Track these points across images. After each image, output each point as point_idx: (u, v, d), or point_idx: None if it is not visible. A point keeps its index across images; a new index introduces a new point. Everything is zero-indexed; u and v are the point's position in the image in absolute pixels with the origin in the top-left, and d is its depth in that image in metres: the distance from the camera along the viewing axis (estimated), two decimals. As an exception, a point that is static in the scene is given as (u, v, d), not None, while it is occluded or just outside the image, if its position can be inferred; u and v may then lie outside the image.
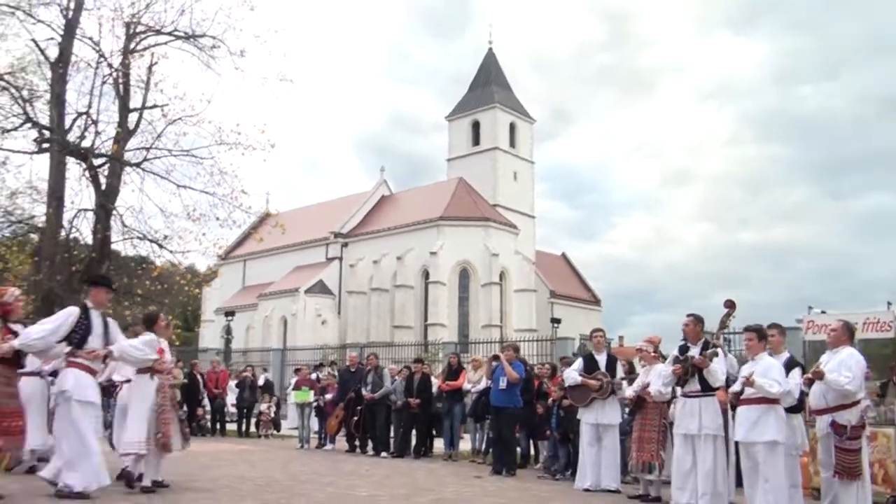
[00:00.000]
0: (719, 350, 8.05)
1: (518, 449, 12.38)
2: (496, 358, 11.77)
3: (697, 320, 8.34)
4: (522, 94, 68.29)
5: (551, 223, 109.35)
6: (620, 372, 9.90)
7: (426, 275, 53.46)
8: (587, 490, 9.55)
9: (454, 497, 8.46)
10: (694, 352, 7.98)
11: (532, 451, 12.97)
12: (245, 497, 7.63)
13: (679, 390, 8.16)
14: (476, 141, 59.42)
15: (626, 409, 9.87)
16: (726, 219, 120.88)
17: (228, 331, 41.40)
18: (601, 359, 10.00)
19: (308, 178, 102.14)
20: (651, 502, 8.81)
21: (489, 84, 60.32)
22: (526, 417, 11.97)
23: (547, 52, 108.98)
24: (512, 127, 59.64)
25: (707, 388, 7.84)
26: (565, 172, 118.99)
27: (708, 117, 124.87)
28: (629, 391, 9.23)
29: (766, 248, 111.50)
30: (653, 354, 9.13)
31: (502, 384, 11.30)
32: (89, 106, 18.89)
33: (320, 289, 56.20)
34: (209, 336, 54.84)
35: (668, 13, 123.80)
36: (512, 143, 59.36)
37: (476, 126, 59.59)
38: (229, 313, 43.68)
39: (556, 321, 42.08)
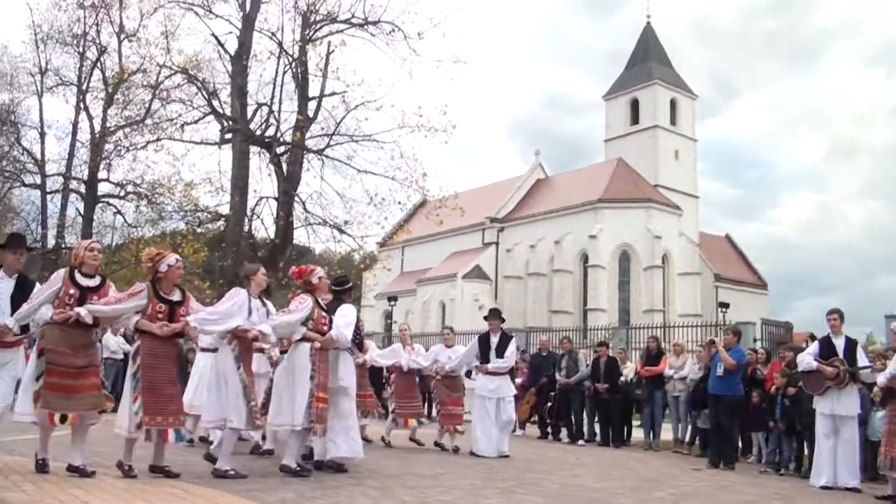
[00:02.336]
0: None
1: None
2: (713, 343, 10.99)
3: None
4: (683, 68, 65.67)
5: (710, 203, 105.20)
6: (863, 359, 8.86)
7: (585, 259, 52.50)
8: (825, 487, 8.66)
9: (693, 491, 7.82)
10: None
11: (739, 444, 12.09)
12: (472, 478, 7.31)
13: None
14: (635, 120, 57.63)
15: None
16: (895, 195, 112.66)
17: (390, 315, 41.96)
18: (839, 343, 8.96)
19: (461, 165, 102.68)
20: (904, 504, 7.85)
21: (648, 60, 58.36)
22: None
23: (709, 20, 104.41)
24: (672, 103, 57.46)
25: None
26: (725, 150, 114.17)
27: (877, 84, 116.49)
28: (881, 378, 8.23)
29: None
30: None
31: (719, 371, 10.52)
32: (272, 96, 19.33)
33: (477, 274, 56.29)
34: (369, 321, 55.96)
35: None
36: (672, 121, 57.20)
37: (635, 104, 57.79)
38: (392, 298, 44.26)
39: (724, 305, 39.99)
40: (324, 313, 7.36)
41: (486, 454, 9.95)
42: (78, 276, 6.27)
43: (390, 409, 10.97)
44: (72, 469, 6.03)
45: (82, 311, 6.07)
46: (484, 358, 10.43)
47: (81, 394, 6.07)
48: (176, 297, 6.56)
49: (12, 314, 6.11)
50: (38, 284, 6.50)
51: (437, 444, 10.76)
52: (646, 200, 51.79)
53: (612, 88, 60.37)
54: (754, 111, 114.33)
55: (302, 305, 7.14)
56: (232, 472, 6.55)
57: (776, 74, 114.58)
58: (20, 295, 6.25)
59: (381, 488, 6.54)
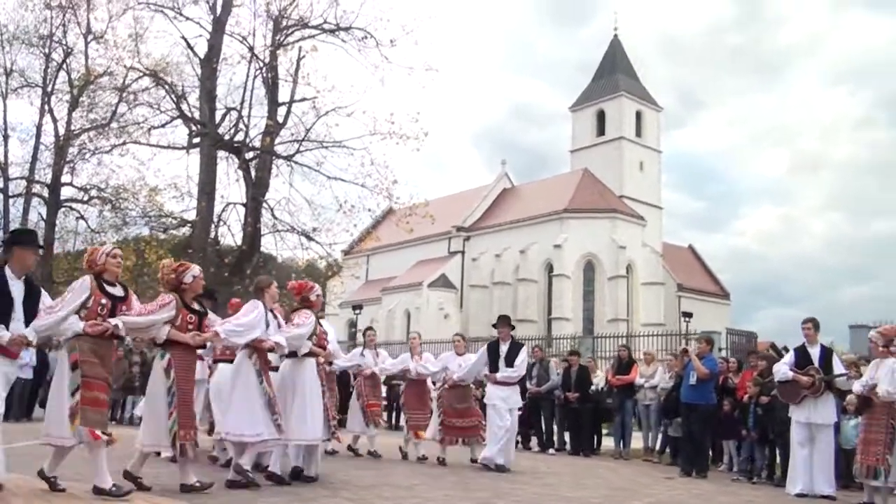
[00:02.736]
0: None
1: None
2: (685, 352, 11.03)
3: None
4: (649, 81, 66.21)
5: (674, 215, 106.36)
6: (839, 367, 8.92)
7: (550, 268, 52.74)
8: (801, 495, 8.70)
9: (668, 500, 7.81)
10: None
11: (710, 452, 12.13)
12: (447, 489, 7.21)
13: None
14: (601, 131, 58.10)
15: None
16: (857, 208, 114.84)
17: (354, 324, 41.67)
18: (814, 352, 9.02)
19: (428, 173, 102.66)
20: (878, 511, 7.91)
21: (614, 72, 58.89)
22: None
23: (675, 34, 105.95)
24: (638, 115, 58.06)
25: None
26: (689, 162, 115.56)
27: (840, 100, 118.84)
28: (856, 386, 8.29)
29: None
30: (881, 348, 8.17)
31: (692, 380, 10.54)
32: (242, 101, 19.11)
33: (443, 282, 56.26)
34: (333, 330, 55.50)
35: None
36: (638, 133, 57.77)
37: (601, 116, 58.27)
38: (357, 307, 43.99)
39: (687, 315, 40.51)
40: (323, 329, 7.68)
41: (495, 462, 9.58)
42: (106, 286, 5.97)
43: (402, 420, 10.84)
44: (99, 492, 5.66)
45: (119, 322, 5.85)
46: (493, 367, 10.00)
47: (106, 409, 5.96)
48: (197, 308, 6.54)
49: (26, 322, 5.62)
50: (42, 290, 6.02)
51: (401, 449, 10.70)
52: (611, 211, 52.19)
53: (579, 100, 60.81)
54: (719, 125, 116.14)
55: (308, 320, 7.31)
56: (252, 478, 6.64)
57: (741, 89, 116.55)
58: (29, 300, 5.73)
59: (356, 500, 6.43)
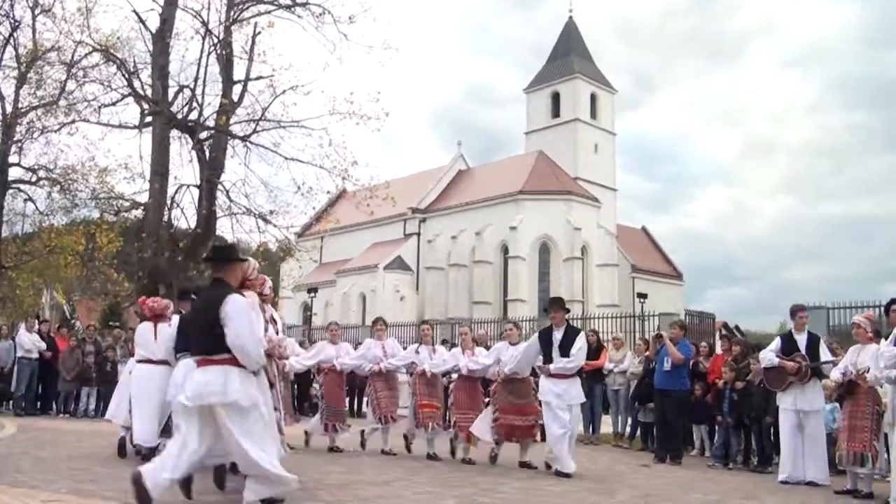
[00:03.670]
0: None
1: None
2: (660, 337, 10.86)
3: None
4: (604, 63, 66.69)
5: (627, 196, 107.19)
6: (825, 354, 8.80)
7: (505, 250, 52.73)
8: (786, 482, 8.55)
9: (657, 492, 7.59)
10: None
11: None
12: (427, 486, 6.92)
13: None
14: (556, 113, 58.10)
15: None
16: (808, 191, 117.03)
17: (309, 307, 41.10)
18: (801, 339, 8.88)
19: (383, 154, 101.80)
20: (863, 499, 7.80)
21: (569, 54, 58.85)
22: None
23: (630, 17, 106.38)
24: (593, 98, 58.17)
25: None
26: (643, 144, 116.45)
27: (792, 84, 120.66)
28: (835, 373, 8.18)
29: (848, 221, 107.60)
30: (869, 334, 8.06)
31: (667, 366, 10.39)
32: (196, 78, 18.44)
33: (399, 265, 55.88)
34: (287, 314, 54.85)
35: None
36: (593, 115, 57.91)
37: (556, 98, 58.26)
38: (312, 290, 43.38)
39: (642, 296, 40.86)
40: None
41: (567, 470, 8.36)
42: None
43: (451, 420, 9.66)
44: None
45: None
46: (546, 357, 8.69)
47: None
48: None
49: None
50: None
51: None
52: (565, 192, 52.26)
53: (534, 81, 60.68)
54: (673, 107, 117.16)
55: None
56: None
57: (695, 72, 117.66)
58: None
59: (335, 501, 6.08)
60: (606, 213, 55.00)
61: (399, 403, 10.33)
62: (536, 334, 9.08)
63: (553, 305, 9.01)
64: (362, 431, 10.29)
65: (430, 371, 9.78)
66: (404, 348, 10.59)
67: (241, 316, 5.09)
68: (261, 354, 5.24)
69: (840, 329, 16.43)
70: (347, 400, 11.02)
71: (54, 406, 14.96)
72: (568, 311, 9.01)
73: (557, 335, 8.68)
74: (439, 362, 9.95)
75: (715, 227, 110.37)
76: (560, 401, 8.50)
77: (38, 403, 15.02)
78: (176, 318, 8.10)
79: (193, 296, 7.39)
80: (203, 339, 5.17)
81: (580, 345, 8.68)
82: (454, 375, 10.27)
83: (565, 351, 8.56)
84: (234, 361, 5.06)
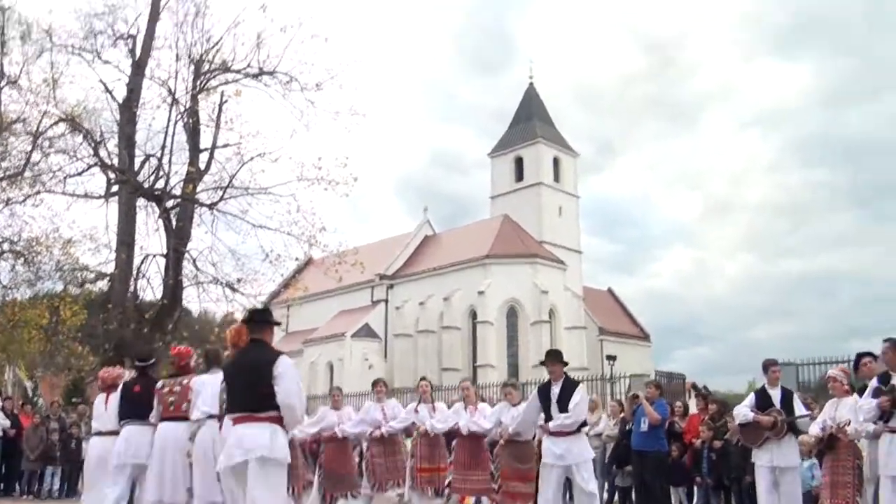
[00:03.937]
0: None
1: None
2: (636, 397, 10.80)
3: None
4: (566, 128, 67.72)
5: (592, 259, 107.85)
6: (800, 408, 8.78)
7: (473, 315, 52.50)
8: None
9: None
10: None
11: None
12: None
13: (881, 426, 7.19)
14: (519, 177, 58.68)
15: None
16: (768, 249, 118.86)
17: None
18: (775, 394, 8.84)
19: (350, 221, 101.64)
20: (847, 556, 7.72)
21: (531, 119, 59.74)
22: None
23: (590, 84, 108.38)
24: (556, 161, 58.89)
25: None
26: (606, 207, 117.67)
27: (751, 145, 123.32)
28: (814, 427, 8.16)
29: (809, 278, 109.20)
30: (846, 387, 8.08)
31: (644, 426, 10.31)
32: (162, 147, 18.41)
33: (366, 332, 55.35)
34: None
35: (711, 40, 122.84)
36: (556, 178, 58.56)
37: (519, 162, 58.90)
38: (279, 359, 42.72)
39: (611, 358, 40.99)
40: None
41: None
42: None
43: (446, 480, 9.30)
44: None
45: None
46: (546, 414, 8.21)
47: None
48: None
49: None
50: None
51: None
52: (531, 256, 52.47)
53: (498, 146, 61.42)
54: (635, 170, 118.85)
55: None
56: None
57: (656, 135, 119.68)
58: None
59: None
60: (572, 276, 55.24)
61: (399, 468, 9.97)
62: (536, 391, 8.66)
63: (550, 358, 8.55)
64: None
65: (432, 431, 9.50)
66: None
67: (291, 375, 5.37)
68: (304, 413, 5.46)
69: (809, 385, 16.53)
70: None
71: (17, 487, 14.45)
72: (566, 363, 8.55)
73: (555, 390, 8.24)
74: (441, 419, 9.60)
75: (679, 287, 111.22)
76: (557, 461, 8.02)
77: (1, 484, 14.50)
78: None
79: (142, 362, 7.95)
80: (249, 397, 5.30)
81: (577, 399, 8.18)
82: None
83: (563, 406, 8.09)
84: (278, 420, 5.24)
